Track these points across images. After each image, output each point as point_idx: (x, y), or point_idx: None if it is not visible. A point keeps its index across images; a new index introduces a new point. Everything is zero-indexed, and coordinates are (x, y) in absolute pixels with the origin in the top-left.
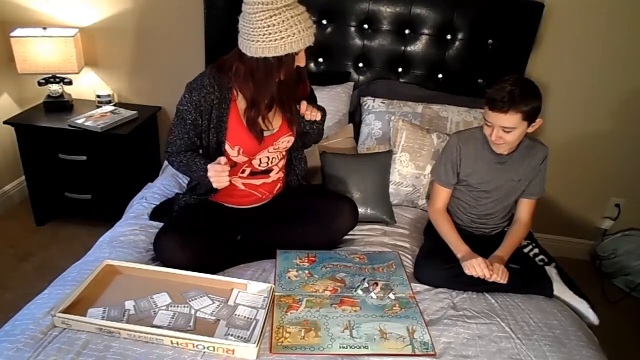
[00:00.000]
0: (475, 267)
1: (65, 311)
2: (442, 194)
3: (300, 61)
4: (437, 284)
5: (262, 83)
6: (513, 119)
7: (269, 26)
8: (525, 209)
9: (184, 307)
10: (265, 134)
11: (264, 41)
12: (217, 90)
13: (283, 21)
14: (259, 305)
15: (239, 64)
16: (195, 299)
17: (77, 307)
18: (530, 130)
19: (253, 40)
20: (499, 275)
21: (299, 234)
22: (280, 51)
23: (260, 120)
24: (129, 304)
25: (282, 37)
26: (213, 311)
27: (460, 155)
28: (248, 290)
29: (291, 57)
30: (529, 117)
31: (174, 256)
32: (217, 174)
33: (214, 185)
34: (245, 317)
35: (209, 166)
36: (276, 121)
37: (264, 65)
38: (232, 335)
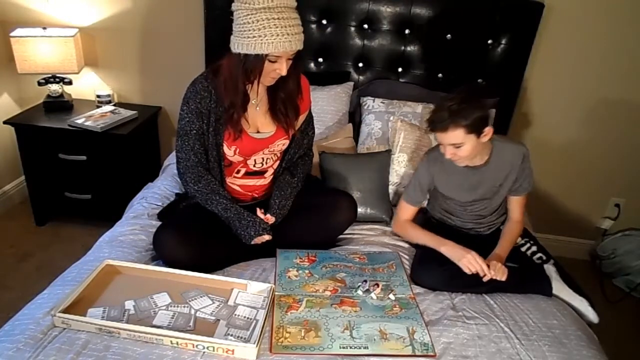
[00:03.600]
0: (472, 264)
1: (65, 311)
2: (409, 211)
3: (280, 69)
4: (435, 287)
5: (232, 78)
6: (456, 135)
7: (245, 24)
8: (516, 206)
9: (184, 307)
10: (262, 136)
11: (238, 37)
12: (213, 94)
13: (257, 21)
14: (259, 306)
15: (226, 59)
16: (195, 299)
17: (77, 307)
18: (483, 140)
19: (233, 35)
20: (498, 273)
21: (298, 230)
22: (250, 49)
23: (237, 118)
24: (129, 304)
25: (254, 37)
26: (213, 311)
27: (432, 175)
28: (248, 290)
29: (261, 59)
30: (474, 129)
31: (174, 253)
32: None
33: (248, 241)
34: (245, 317)
35: (260, 238)
36: (271, 125)
37: (237, 61)
38: (232, 335)
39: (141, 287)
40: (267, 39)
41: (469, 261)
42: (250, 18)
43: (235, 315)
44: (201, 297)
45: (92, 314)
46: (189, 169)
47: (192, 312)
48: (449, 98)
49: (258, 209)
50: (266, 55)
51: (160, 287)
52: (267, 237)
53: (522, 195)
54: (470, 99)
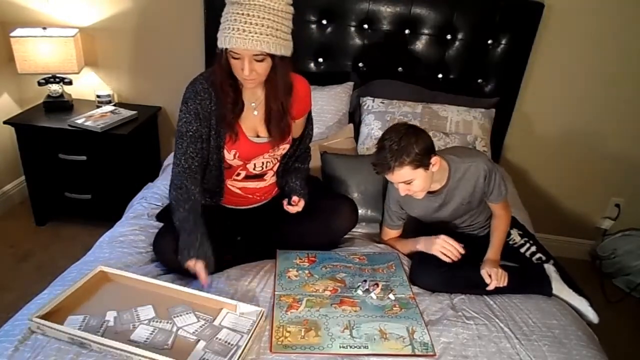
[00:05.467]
0: (446, 248)
1: (47, 315)
2: (389, 234)
3: (242, 68)
4: (434, 289)
5: (217, 78)
6: (403, 174)
7: (221, 17)
8: (496, 207)
9: (167, 323)
10: (261, 140)
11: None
12: (213, 95)
13: (226, 14)
14: (245, 330)
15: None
16: (181, 315)
17: (61, 312)
18: (433, 170)
19: None
20: (498, 280)
21: (299, 233)
22: (219, 43)
23: (229, 121)
24: (110, 315)
25: (221, 30)
26: (196, 330)
27: (398, 202)
28: (237, 311)
29: (223, 54)
30: (420, 164)
31: (173, 258)
32: (193, 270)
33: (181, 263)
34: (226, 342)
35: (193, 263)
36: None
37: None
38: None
39: (129, 297)
40: (226, 32)
41: (441, 246)
42: (224, 11)
43: (217, 338)
44: (187, 313)
45: (72, 321)
46: (177, 175)
47: (174, 329)
48: (387, 138)
49: (284, 202)
50: (226, 50)
51: (148, 299)
52: (202, 272)
53: (495, 203)
54: (408, 134)
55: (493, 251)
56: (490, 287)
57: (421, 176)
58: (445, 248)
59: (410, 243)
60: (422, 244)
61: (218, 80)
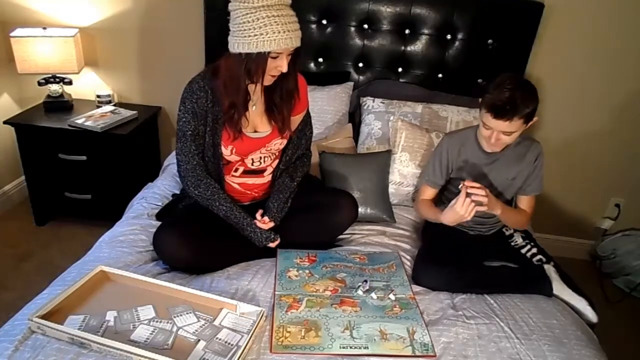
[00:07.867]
0: (459, 210)
1: (46, 315)
2: (428, 192)
3: (281, 65)
4: (437, 288)
5: (233, 78)
6: (515, 124)
7: (244, 23)
8: (525, 203)
9: (167, 323)
10: (259, 135)
11: (238, 37)
12: (210, 94)
13: (258, 19)
14: (245, 330)
15: (224, 60)
16: (181, 315)
17: (60, 312)
18: (527, 127)
19: (232, 35)
20: (479, 193)
21: (300, 229)
22: (252, 48)
23: (237, 118)
24: (110, 315)
25: (255, 35)
26: (196, 330)
27: (450, 157)
28: (237, 311)
29: (263, 57)
30: (529, 119)
31: (173, 252)
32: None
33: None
34: (226, 342)
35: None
36: (268, 125)
37: (239, 61)
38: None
39: (129, 297)
40: (269, 37)
41: (462, 204)
42: (249, 17)
43: (217, 338)
44: (187, 313)
45: (72, 321)
46: (189, 171)
47: (174, 329)
48: (515, 83)
49: (258, 213)
50: (268, 53)
51: (148, 299)
52: (275, 243)
53: (530, 195)
54: (530, 87)
55: (501, 204)
56: (462, 188)
57: (520, 130)
58: (461, 209)
59: (434, 214)
60: (445, 218)
61: (241, 82)
